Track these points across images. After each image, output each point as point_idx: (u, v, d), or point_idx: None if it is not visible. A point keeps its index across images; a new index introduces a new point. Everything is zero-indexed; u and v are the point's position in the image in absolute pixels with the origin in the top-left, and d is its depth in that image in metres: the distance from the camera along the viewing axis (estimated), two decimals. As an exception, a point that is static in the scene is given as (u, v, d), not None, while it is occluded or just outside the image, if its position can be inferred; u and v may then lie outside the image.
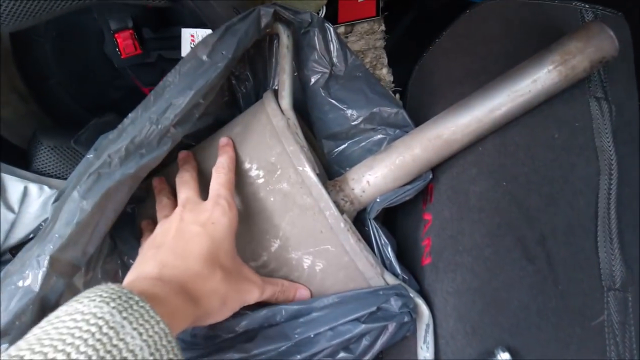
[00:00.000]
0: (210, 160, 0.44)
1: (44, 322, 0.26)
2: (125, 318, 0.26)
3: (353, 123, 0.48)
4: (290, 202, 0.40)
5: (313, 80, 0.48)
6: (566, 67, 0.41)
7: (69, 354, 0.23)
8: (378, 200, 0.45)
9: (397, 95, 0.61)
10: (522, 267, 0.39)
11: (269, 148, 0.42)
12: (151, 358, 0.26)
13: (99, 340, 0.24)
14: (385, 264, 0.43)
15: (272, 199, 0.41)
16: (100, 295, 0.27)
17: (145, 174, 0.37)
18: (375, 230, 0.44)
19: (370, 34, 0.63)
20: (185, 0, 0.46)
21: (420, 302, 0.41)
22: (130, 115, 0.38)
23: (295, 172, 0.40)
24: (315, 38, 0.47)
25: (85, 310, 0.26)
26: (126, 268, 0.42)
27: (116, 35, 0.52)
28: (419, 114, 0.52)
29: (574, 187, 0.41)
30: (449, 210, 0.45)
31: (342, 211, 0.44)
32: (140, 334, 0.26)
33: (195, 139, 0.50)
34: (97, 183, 0.34)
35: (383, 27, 0.64)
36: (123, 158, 0.35)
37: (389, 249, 0.43)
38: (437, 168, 0.47)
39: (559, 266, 0.39)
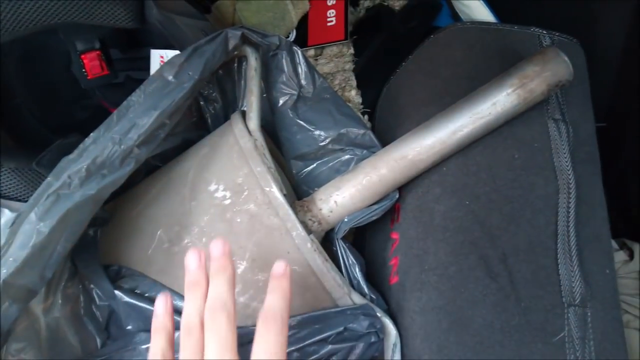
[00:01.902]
0: (176, 182, 0.43)
1: None
2: None
3: (321, 144, 0.48)
4: (257, 223, 0.40)
5: (281, 101, 0.48)
6: (524, 90, 0.42)
7: None
8: (346, 220, 0.45)
9: (366, 117, 0.62)
10: (485, 285, 0.40)
11: (236, 169, 0.42)
12: None
13: None
14: (352, 284, 0.43)
15: (238, 220, 0.40)
16: None
17: (108, 195, 0.37)
18: (342, 250, 0.44)
19: (339, 57, 0.65)
20: (152, 22, 0.46)
21: (387, 321, 0.41)
22: (92, 134, 0.38)
23: (262, 193, 0.40)
24: (283, 60, 0.47)
25: None
26: (88, 293, 0.41)
27: (82, 56, 0.52)
28: (387, 134, 0.53)
29: (533, 206, 0.43)
30: (414, 230, 0.45)
31: (309, 231, 0.44)
32: None
33: (162, 160, 0.49)
34: (55, 204, 0.33)
35: (352, 51, 0.66)
36: (84, 179, 0.35)
37: (357, 268, 0.43)
38: (404, 188, 0.48)
39: (521, 284, 0.40)
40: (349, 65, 0.64)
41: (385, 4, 0.74)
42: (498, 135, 0.45)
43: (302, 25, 0.66)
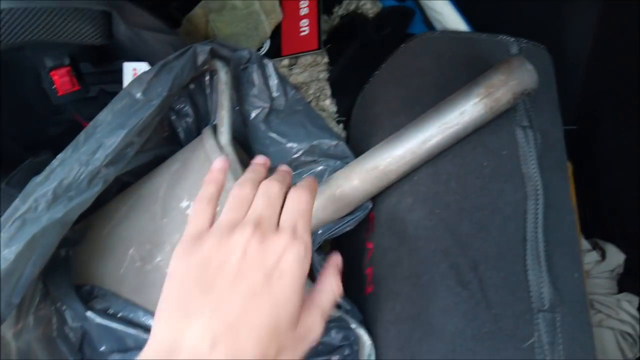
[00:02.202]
0: (147, 199, 0.43)
1: None
2: None
3: (294, 156, 0.48)
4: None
5: (253, 114, 0.48)
6: (491, 99, 0.43)
7: None
8: (319, 232, 0.45)
9: (341, 125, 0.62)
10: (456, 294, 0.41)
11: (207, 185, 0.41)
12: None
13: None
14: (327, 296, 0.43)
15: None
16: None
17: (76, 217, 0.37)
18: (317, 263, 0.44)
19: (313, 66, 0.65)
20: (120, 39, 0.46)
21: (362, 332, 0.41)
22: (59, 156, 0.38)
23: (233, 208, 0.40)
24: (254, 74, 0.47)
25: None
26: (60, 315, 0.41)
27: (52, 72, 0.51)
28: (362, 143, 0.54)
29: (502, 213, 0.43)
30: (388, 239, 0.46)
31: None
32: None
33: (134, 176, 0.49)
34: (21, 229, 0.33)
35: (326, 59, 0.66)
36: (50, 202, 0.34)
37: (330, 281, 0.43)
38: (378, 197, 0.48)
39: (491, 290, 0.40)
40: (324, 74, 0.65)
41: (359, 11, 0.75)
42: (467, 144, 0.46)
43: (276, 35, 0.66)
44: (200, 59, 0.44)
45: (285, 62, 0.65)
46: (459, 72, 0.50)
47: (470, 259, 0.42)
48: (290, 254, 0.28)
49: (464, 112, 0.43)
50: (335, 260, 0.34)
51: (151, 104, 0.40)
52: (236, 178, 0.41)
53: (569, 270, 0.43)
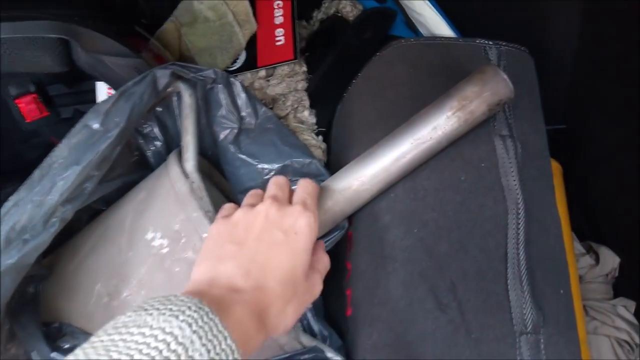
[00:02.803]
0: (113, 231, 0.42)
1: (111, 329, 0.25)
2: (194, 332, 0.25)
3: (265, 177, 0.47)
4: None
5: (222, 136, 0.47)
6: (464, 112, 0.41)
7: None
8: (294, 255, 0.44)
9: (320, 137, 0.60)
10: (435, 318, 0.39)
11: (173, 215, 0.40)
12: None
13: (166, 358, 0.23)
14: (303, 324, 0.42)
15: (177, 269, 0.39)
16: (170, 309, 0.25)
17: (34, 259, 0.35)
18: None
19: (291, 76, 0.63)
20: (81, 65, 0.45)
21: (340, 360, 0.40)
22: (12, 197, 0.36)
23: (200, 240, 0.39)
24: (220, 94, 0.46)
25: (154, 325, 0.24)
26: (27, 356, 0.39)
27: (17, 100, 0.50)
28: (340, 157, 0.52)
29: (482, 229, 0.42)
30: (365, 261, 0.44)
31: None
32: (209, 351, 0.25)
33: (105, 203, 0.48)
34: (-28, 278, 0.32)
35: (304, 68, 0.64)
36: (3, 247, 0.33)
37: (307, 311, 0.42)
38: (355, 216, 0.46)
39: (471, 313, 0.39)
40: (302, 84, 0.63)
41: (339, 14, 0.73)
42: (445, 157, 0.44)
43: (252, 46, 0.64)
44: (161, 83, 0.42)
45: (262, 73, 0.63)
46: (434, 81, 0.48)
47: (448, 280, 0.40)
48: (302, 219, 0.34)
49: (436, 127, 0.41)
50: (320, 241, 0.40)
51: (108, 135, 0.39)
52: (201, 206, 0.40)
53: (554, 286, 0.41)
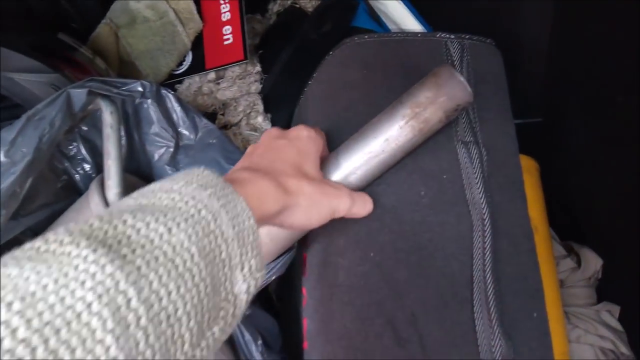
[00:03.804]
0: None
1: (136, 194, 0.24)
2: (222, 206, 0.25)
3: (207, 199, 0.42)
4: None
5: (157, 156, 0.42)
6: (418, 120, 0.36)
7: (169, 229, 0.22)
8: (241, 286, 0.39)
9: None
10: (393, 355, 0.35)
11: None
12: (239, 251, 0.25)
13: (198, 222, 0.23)
14: (250, 364, 0.38)
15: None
16: (197, 182, 0.25)
17: None
18: (237, 327, 0.38)
19: (243, 78, 0.58)
20: (-13, 84, 0.40)
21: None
22: None
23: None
24: (150, 109, 0.41)
25: (184, 191, 0.24)
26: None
27: None
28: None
29: (445, 251, 0.37)
30: (319, 290, 0.40)
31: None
32: (234, 227, 0.25)
33: (33, 235, 0.43)
34: None
35: (258, 68, 0.59)
36: None
37: (254, 346, 0.38)
38: (309, 236, 0.42)
39: (433, 348, 0.35)
40: (255, 87, 0.58)
41: (297, 6, 0.67)
42: (402, 169, 0.40)
43: (199, 46, 0.59)
44: (78, 103, 0.37)
45: (212, 76, 0.58)
46: (390, 83, 0.43)
47: (408, 311, 0.36)
48: (303, 131, 0.37)
49: (389, 139, 0.37)
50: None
51: (14, 169, 0.34)
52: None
53: (525, 311, 0.37)
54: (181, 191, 0.24)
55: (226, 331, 0.25)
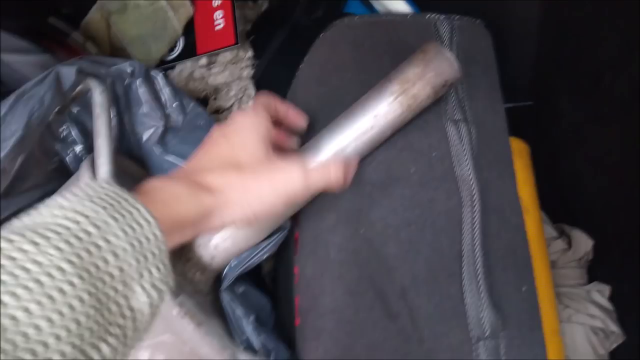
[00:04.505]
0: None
1: (23, 214, 0.23)
2: (111, 216, 0.23)
3: (198, 179, 0.42)
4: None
5: (146, 136, 0.42)
6: (407, 96, 0.37)
7: (36, 244, 0.21)
8: (232, 264, 0.40)
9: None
10: (384, 327, 0.35)
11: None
12: (134, 262, 0.23)
13: (76, 236, 0.22)
14: (242, 340, 0.38)
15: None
16: (87, 193, 0.24)
17: None
18: (228, 303, 0.38)
19: (235, 63, 0.58)
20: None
21: (282, 378, 0.36)
22: None
23: (117, 257, 0.35)
24: (139, 90, 0.41)
25: (66, 205, 0.23)
26: None
27: None
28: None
29: (434, 226, 0.38)
30: (311, 266, 0.40)
31: (192, 283, 0.39)
32: (126, 234, 0.23)
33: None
34: None
35: (250, 53, 0.59)
36: None
37: (245, 321, 0.38)
38: (301, 215, 0.42)
39: (423, 321, 0.35)
40: (247, 72, 0.58)
41: (290, -8, 0.67)
42: (392, 147, 0.40)
43: (190, 31, 0.59)
44: (67, 82, 0.37)
45: (203, 61, 0.58)
46: (381, 64, 0.43)
47: (398, 285, 0.36)
48: (238, 115, 0.35)
49: (377, 115, 0.37)
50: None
51: (3, 145, 0.34)
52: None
53: (514, 284, 0.37)
54: (63, 205, 0.23)
55: (124, 349, 0.23)
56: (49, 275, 0.20)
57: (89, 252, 0.22)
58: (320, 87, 0.46)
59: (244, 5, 0.67)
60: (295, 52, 0.59)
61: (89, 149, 0.44)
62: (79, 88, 0.39)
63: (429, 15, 0.46)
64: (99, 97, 0.39)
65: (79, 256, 0.21)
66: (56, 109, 0.38)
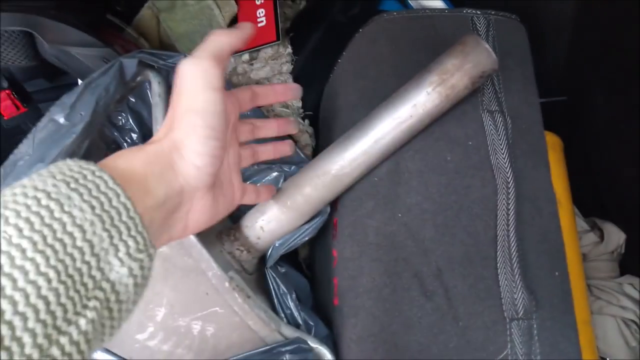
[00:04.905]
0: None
1: None
2: (74, 189, 0.22)
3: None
4: (170, 266, 0.38)
5: (197, 124, 0.45)
6: (445, 87, 0.39)
7: None
8: (277, 245, 0.42)
9: (307, 121, 0.58)
10: (420, 306, 0.37)
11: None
12: (105, 234, 0.22)
13: (35, 212, 0.21)
14: (286, 315, 0.41)
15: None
16: (49, 171, 0.23)
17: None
18: (272, 280, 0.41)
19: (275, 59, 0.61)
20: (47, 58, 0.43)
21: (324, 351, 0.39)
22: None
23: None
24: (192, 81, 0.44)
25: (27, 183, 0.22)
26: None
27: (-10, 97, 0.49)
28: (327, 141, 0.50)
29: (470, 211, 0.39)
30: (349, 249, 0.42)
31: (239, 261, 0.42)
32: (93, 208, 0.22)
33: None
34: None
35: (289, 50, 0.62)
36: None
37: (288, 297, 0.41)
38: (339, 201, 0.45)
39: (458, 300, 0.37)
40: (287, 67, 0.61)
41: (326, -9, 0.70)
42: (429, 136, 0.42)
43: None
44: (129, 72, 0.41)
45: (246, 57, 0.61)
46: (418, 57, 0.45)
47: (434, 266, 0.38)
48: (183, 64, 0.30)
49: (416, 105, 0.39)
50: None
51: (74, 129, 0.37)
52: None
53: (548, 269, 0.39)
54: (24, 184, 0.22)
55: (112, 322, 0.23)
56: (9, 255, 0.19)
57: (51, 228, 0.21)
58: (359, 79, 0.48)
59: (284, 3, 0.69)
60: (332, 48, 0.61)
61: (145, 136, 0.48)
62: (139, 78, 0.42)
63: (466, 10, 0.47)
64: (157, 87, 0.42)
65: (41, 234, 0.20)
66: (118, 97, 0.41)
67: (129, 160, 0.27)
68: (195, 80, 0.29)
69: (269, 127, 0.39)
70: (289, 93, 0.39)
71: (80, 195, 0.22)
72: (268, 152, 0.40)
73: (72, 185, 0.22)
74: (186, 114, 0.29)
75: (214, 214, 0.32)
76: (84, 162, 0.24)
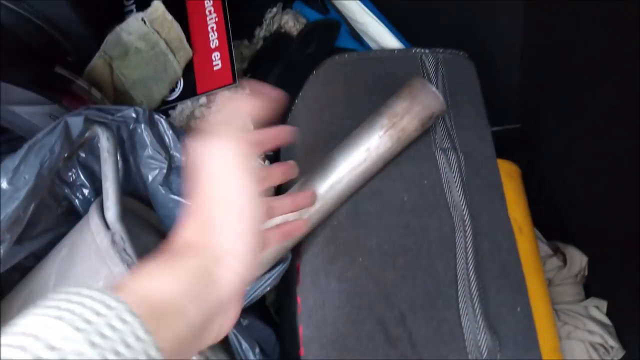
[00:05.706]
0: (36, 295, 0.39)
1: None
2: (87, 342, 0.17)
3: (201, 216, 0.44)
4: (125, 330, 0.36)
5: (151, 177, 0.44)
6: (396, 130, 0.39)
7: None
8: (237, 297, 0.41)
9: (267, 162, 0.58)
10: (385, 354, 0.37)
11: (96, 271, 0.37)
12: None
13: None
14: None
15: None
16: (54, 313, 0.18)
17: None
18: (234, 336, 0.40)
19: (233, 101, 0.61)
20: (-11, 117, 0.42)
21: (291, 407, 0.38)
22: None
23: (126, 295, 0.36)
24: (144, 134, 0.43)
25: (29, 331, 0.17)
26: None
27: None
28: (286, 185, 0.49)
29: (429, 251, 0.39)
30: (312, 297, 0.42)
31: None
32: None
33: (36, 260, 0.45)
34: None
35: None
36: None
37: (251, 354, 0.39)
38: (301, 246, 0.44)
39: (423, 345, 0.37)
40: (245, 108, 0.60)
41: (283, 30, 0.70)
42: (386, 177, 0.42)
43: (189, 72, 0.61)
44: (75, 131, 0.40)
45: (203, 100, 0.61)
46: (371, 98, 0.46)
47: (397, 310, 0.38)
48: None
49: (369, 148, 0.39)
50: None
51: (17, 195, 0.36)
52: (124, 262, 0.37)
53: (509, 305, 0.39)
54: (26, 332, 0.18)
55: None
56: None
57: None
58: (315, 122, 0.48)
59: (240, 44, 0.70)
60: (290, 87, 0.61)
61: (97, 191, 0.46)
62: (86, 135, 0.41)
63: (415, 49, 0.48)
64: (105, 143, 0.41)
65: None
66: (65, 156, 0.40)
67: (161, 282, 0.23)
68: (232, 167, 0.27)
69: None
70: (283, 137, 0.37)
71: (94, 346, 0.17)
72: (284, 206, 0.35)
73: (83, 326, 0.18)
74: (228, 217, 0.26)
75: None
76: (108, 298, 0.19)
